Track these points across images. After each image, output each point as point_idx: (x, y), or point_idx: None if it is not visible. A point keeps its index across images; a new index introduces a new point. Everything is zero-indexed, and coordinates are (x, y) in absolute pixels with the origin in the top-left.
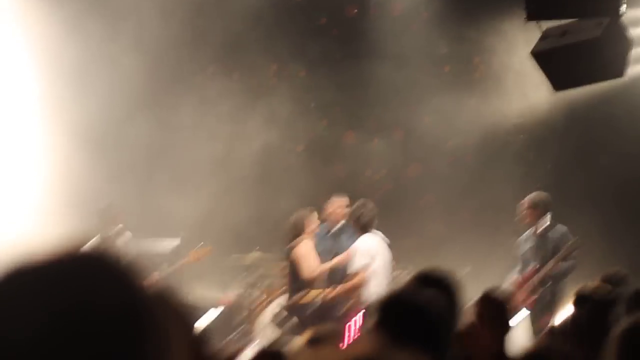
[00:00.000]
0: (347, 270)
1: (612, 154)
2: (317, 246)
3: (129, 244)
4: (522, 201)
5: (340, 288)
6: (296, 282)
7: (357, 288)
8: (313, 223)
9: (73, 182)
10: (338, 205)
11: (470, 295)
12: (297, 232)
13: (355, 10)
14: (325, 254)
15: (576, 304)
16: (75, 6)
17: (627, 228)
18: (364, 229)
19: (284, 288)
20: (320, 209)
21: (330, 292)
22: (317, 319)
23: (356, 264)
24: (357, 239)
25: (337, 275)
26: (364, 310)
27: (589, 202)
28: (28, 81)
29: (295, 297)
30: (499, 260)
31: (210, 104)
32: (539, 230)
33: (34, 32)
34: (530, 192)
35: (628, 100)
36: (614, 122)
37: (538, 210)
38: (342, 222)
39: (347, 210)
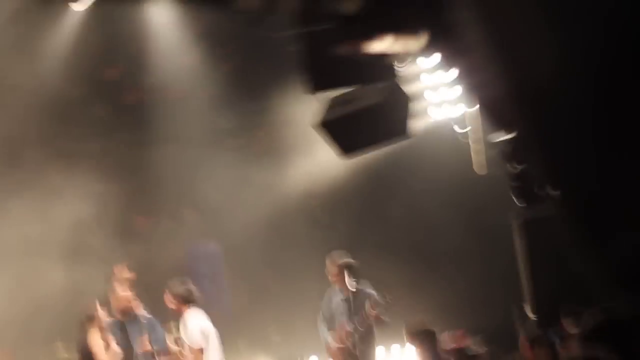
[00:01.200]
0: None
1: (403, 206)
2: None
3: None
4: (330, 265)
5: None
6: None
7: None
8: (101, 316)
9: None
10: (119, 297)
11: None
12: (87, 324)
13: (133, 98)
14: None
15: None
16: None
17: (426, 273)
18: (189, 304)
19: None
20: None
21: None
22: None
23: (193, 342)
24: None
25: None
26: None
27: (387, 254)
28: None
29: None
30: (306, 324)
31: None
32: (346, 289)
33: None
34: (329, 254)
35: (412, 154)
36: (401, 176)
37: (344, 273)
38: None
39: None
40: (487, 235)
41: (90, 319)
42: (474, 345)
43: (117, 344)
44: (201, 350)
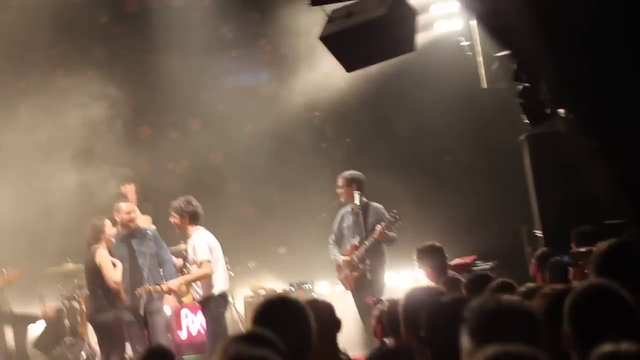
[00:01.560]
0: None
1: (409, 120)
2: (116, 252)
3: None
4: (337, 179)
5: (188, 277)
6: (99, 288)
7: (201, 278)
8: (107, 230)
9: None
10: (123, 211)
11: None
12: (92, 240)
13: (135, 6)
14: (122, 261)
15: None
16: None
17: (436, 195)
18: (195, 221)
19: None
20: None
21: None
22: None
23: (199, 255)
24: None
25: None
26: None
27: (394, 169)
28: None
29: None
30: (313, 237)
31: None
32: (355, 208)
33: None
34: (333, 168)
35: (418, 67)
36: (407, 89)
37: (352, 187)
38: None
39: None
40: (496, 152)
41: (98, 237)
42: (480, 261)
43: (123, 259)
44: (209, 262)
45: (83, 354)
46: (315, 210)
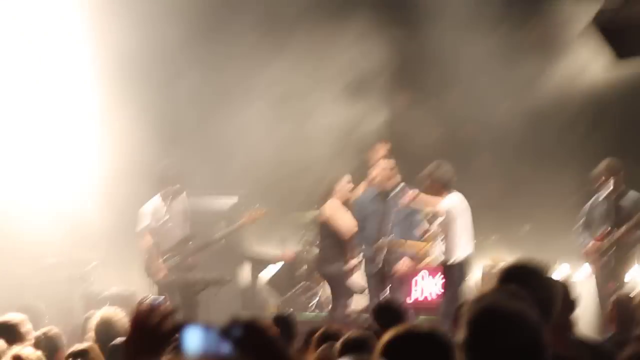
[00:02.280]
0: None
1: None
2: (366, 208)
3: (187, 203)
4: (599, 165)
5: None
6: (327, 239)
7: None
8: (343, 186)
9: (130, 152)
10: (383, 168)
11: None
12: (327, 194)
13: None
14: (374, 216)
15: None
16: None
17: None
18: (446, 188)
19: (307, 241)
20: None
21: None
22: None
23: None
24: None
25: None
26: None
27: None
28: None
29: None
30: (560, 219)
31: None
32: (613, 195)
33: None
34: (586, 155)
35: None
36: None
37: (613, 175)
38: (392, 184)
39: (392, 172)
40: None
41: (330, 190)
42: None
43: (374, 214)
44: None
45: (315, 300)
46: (565, 193)
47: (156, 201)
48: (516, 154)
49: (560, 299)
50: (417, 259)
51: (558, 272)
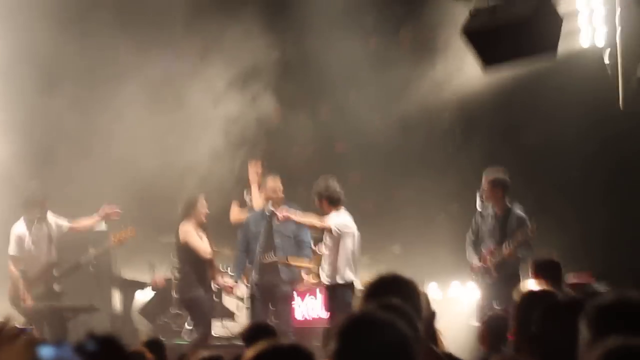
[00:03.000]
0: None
1: (539, 132)
2: (251, 231)
3: (54, 227)
4: (484, 178)
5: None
6: (186, 265)
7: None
8: (199, 208)
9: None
10: (276, 187)
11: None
12: (182, 215)
13: None
14: (258, 237)
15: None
16: None
17: (560, 209)
18: (336, 205)
19: (174, 268)
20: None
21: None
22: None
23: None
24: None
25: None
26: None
27: (520, 181)
28: None
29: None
30: (429, 237)
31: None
32: (498, 212)
33: None
34: (458, 170)
35: (555, 79)
36: (540, 99)
37: (498, 189)
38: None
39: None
40: (627, 175)
41: (188, 212)
42: (596, 284)
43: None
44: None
45: (187, 325)
46: (434, 210)
47: (20, 226)
48: (386, 171)
49: (425, 308)
50: (302, 278)
51: (428, 291)
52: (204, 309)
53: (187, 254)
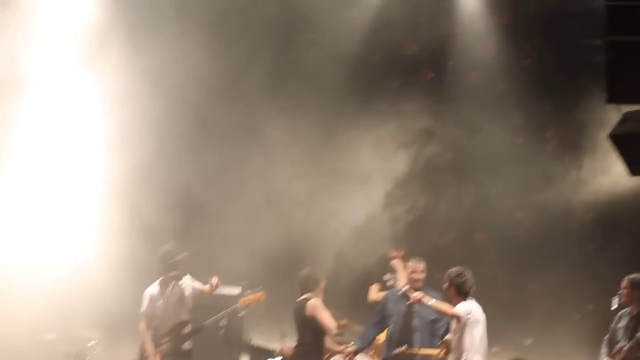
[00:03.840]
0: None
1: None
2: (393, 307)
3: (190, 289)
4: (623, 280)
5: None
6: (308, 335)
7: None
8: (322, 281)
9: (132, 215)
10: (417, 269)
11: None
12: (305, 290)
13: (431, 75)
14: (399, 316)
15: None
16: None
17: None
18: (464, 295)
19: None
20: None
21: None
22: None
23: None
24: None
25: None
26: None
27: None
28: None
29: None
30: (563, 335)
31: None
32: (634, 311)
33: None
34: (595, 269)
35: None
36: None
37: (637, 290)
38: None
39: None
40: None
41: (312, 287)
42: None
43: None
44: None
45: None
46: (569, 308)
47: (155, 286)
48: (523, 265)
49: None
50: None
51: None
52: None
53: (311, 324)
